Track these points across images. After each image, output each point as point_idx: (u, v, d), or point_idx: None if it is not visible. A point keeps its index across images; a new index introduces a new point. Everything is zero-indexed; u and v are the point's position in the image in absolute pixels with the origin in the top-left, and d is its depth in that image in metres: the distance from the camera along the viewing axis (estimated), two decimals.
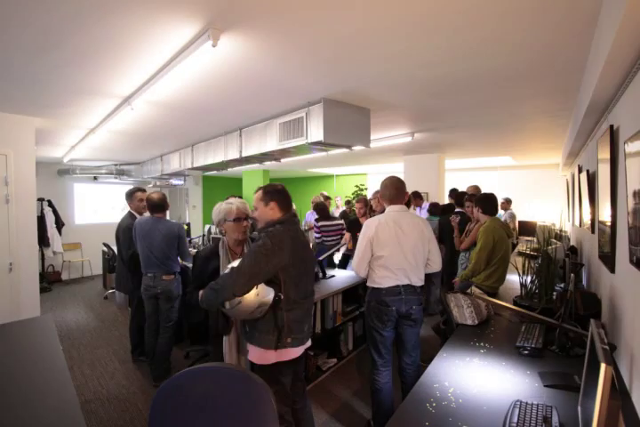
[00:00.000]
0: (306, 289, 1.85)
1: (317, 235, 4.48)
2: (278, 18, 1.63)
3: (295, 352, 1.81)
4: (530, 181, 8.09)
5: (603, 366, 0.96)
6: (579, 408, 1.25)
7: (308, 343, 1.90)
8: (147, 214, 3.22)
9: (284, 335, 1.74)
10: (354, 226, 4.18)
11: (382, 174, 10.10)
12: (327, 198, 6.88)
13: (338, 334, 3.31)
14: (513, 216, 6.90)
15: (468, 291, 2.61)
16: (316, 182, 11.59)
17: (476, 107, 3.21)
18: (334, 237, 4.53)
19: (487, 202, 3.07)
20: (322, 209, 4.61)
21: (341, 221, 4.61)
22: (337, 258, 4.66)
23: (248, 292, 1.65)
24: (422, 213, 5.17)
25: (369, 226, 2.25)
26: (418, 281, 2.24)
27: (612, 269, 1.84)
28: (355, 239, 4.15)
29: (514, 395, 1.41)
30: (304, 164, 7.51)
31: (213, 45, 1.74)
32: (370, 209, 4.23)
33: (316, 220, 4.63)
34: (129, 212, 3.43)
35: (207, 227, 6.02)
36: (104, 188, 7.99)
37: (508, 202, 7.13)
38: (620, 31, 1.16)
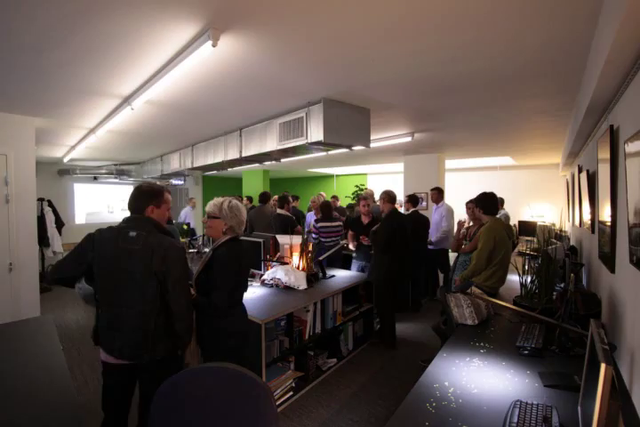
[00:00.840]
0: (114, 298, 1.70)
1: (315, 235, 4.40)
2: (278, 18, 1.63)
3: (104, 357, 1.74)
4: (530, 181, 8.09)
5: (603, 366, 0.96)
6: (579, 408, 1.25)
7: (123, 361, 1.68)
8: None
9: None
10: (356, 225, 4.13)
11: (382, 174, 10.13)
12: (335, 198, 7.00)
13: (338, 334, 3.31)
14: (507, 217, 6.62)
15: (468, 291, 2.61)
16: (316, 182, 11.59)
17: (477, 107, 3.21)
18: (333, 238, 4.48)
19: (488, 201, 3.06)
20: (327, 209, 4.54)
21: (340, 223, 4.58)
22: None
23: (59, 272, 1.75)
24: (439, 211, 5.13)
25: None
26: None
27: (612, 269, 1.84)
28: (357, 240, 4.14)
29: (514, 395, 1.40)
30: (304, 164, 7.51)
31: (213, 45, 1.74)
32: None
33: (316, 220, 4.56)
34: None
35: None
36: (104, 188, 8.00)
37: (500, 203, 7.00)
38: (620, 31, 1.16)
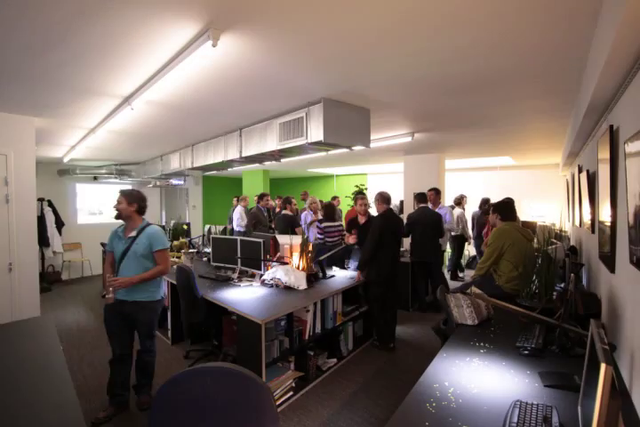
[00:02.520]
0: None
1: (320, 236, 4.51)
2: (278, 18, 1.63)
3: None
4: (530, 181, 8.08)
5: (603, 366, 0.96)
6: (579, 408, 1.25)
7: None
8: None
9: None
10: (352, 225, 4.17)
11: (382, 174, 10.12)
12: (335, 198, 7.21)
13: (338, 334, 3.31)
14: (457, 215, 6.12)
15: (468, 291, 2.61)
16: (316, 182, 11.58)
17: (476, 107, 3.21)
18: (335, 238, 4.57)
19: (505, 209, 3.08)
20: (329, 210, 4.66)
21: (341, 223, 4.65)
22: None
23: None
24: (442, 212, 5.14)
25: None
26: None
27: (612, 270, 1.84)
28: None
29: (514, 395, 1.40)
30: (304, 164, 7.50)
31: (213, 45, 1.74)
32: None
33: (320, 221, 4.67)
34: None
35: (207, 227, 6.03)
36: (104, 188, 7.99)
37: (461, 198, 6.54)
38: (620, 31, 1.16)
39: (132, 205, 2.52)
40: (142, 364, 2.67)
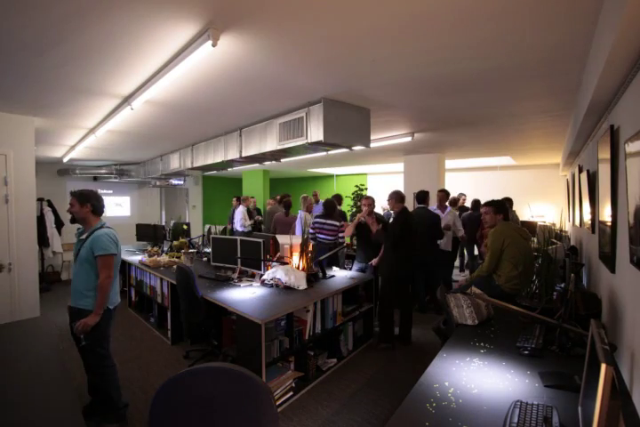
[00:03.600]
0: None
1: (311, 231, 4.56)
2: (278, 18, 1.63)
3: None
4: (530, 181, 8.08)
5: (603, 366, 0.96)
6: (579, 408, 1.25)
7: None
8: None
9: None
10: (361, 226, 4.18)
11: (382, 174, 10.12)
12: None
13: (338, 334, 3.30)
14: (455, 215, 5.29)
15: (468, 291, 2.61)
16: (316, 182, 11.58)
17: (476, 107, 3.21)
18: (328, 237, 4.57)
19: (505, 209, 3.11)
20: (328, 207, 4.70)
21: (337, 223, 4.63)
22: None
23: None
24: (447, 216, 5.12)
25: None
26: None
27: (613, 269, 1.84)
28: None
29: (514, 395, 1.40)
30: (304, 164, 7.50)
31: (213, 45, 1.74)
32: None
33: (317, 216, 4.74)
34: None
35: (207, 227, 6.02)
36: (104, 188, 8.00)
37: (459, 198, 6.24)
38: (621, 31, 1.16)
39: (85, 205, 2.28)
40: (90, 386, 2.35)
